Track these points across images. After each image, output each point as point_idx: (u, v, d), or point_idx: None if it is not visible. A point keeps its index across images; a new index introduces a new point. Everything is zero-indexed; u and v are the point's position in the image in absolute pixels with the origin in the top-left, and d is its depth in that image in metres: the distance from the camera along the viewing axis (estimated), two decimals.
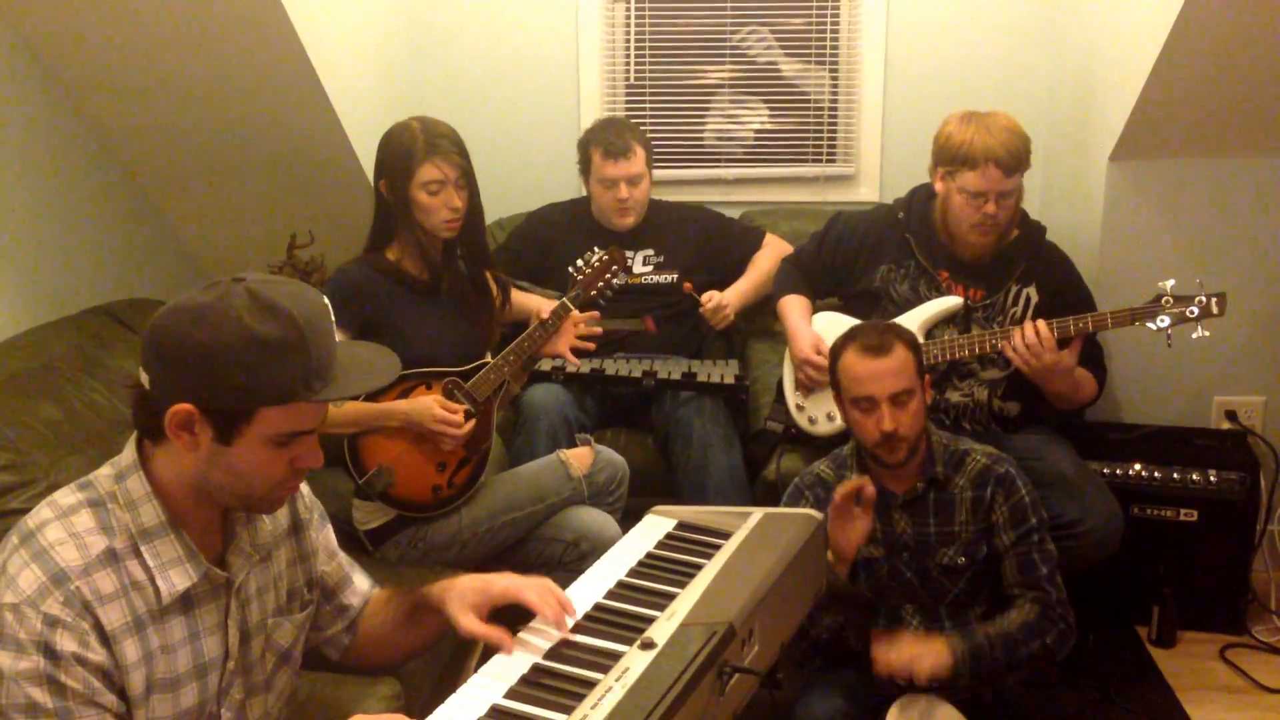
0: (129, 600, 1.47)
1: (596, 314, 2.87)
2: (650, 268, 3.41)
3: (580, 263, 2.94)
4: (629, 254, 3.40)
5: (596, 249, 3.39)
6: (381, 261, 2.68)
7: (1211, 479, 3.14)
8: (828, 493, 2.44)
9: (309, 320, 1.46)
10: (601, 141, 3.35)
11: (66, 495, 1.51)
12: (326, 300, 1.53)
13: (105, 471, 1.53)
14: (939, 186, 2.92)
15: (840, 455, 2.51)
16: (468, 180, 2.64)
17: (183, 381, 1.44)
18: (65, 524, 1.46)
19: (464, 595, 1.71)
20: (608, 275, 2.86)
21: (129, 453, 1.53)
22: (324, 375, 1.47)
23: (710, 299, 3.30)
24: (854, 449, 2.47)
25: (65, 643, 1.40)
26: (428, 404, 2.60)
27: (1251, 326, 3.37)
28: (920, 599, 2.39)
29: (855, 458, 2.46)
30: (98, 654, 1.42)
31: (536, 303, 3.03)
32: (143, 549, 1.48)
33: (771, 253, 3.48)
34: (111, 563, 1.46)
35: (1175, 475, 3.16)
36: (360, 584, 1.86)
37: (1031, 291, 2.94)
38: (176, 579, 1.50)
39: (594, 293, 2.85)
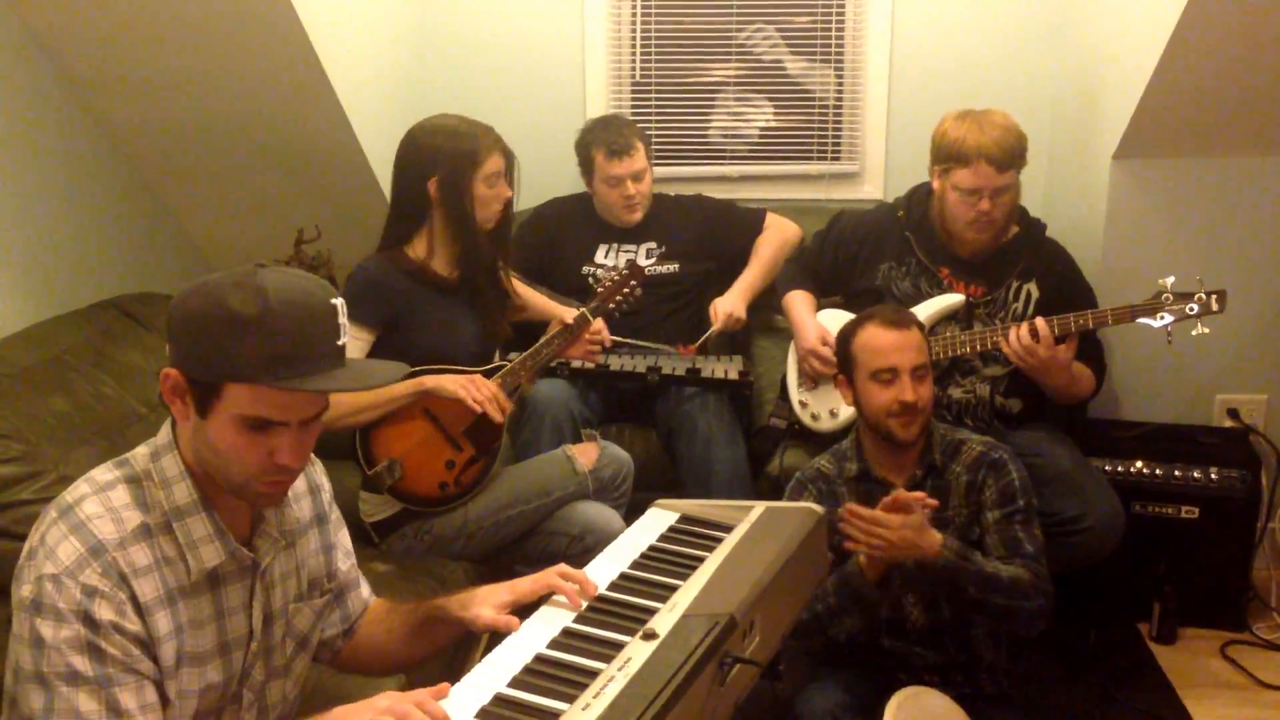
0: (161, 574, 1.51)
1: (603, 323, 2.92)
2: (653, 259, 3.43)
3: (600, 273, 2.95)
4: (631, 248, 3.43)
5: (614, 246, 3.43)
6: (403, 259, 2.70)
7: (1213, 476, 3.15)
8: (829, 486, 2.46)
9: (287, 306, 1.45)
10: (603, 142, 3.36)
11: (104, 472, 1.55)
12: (336, 301, 1.51)
13: (142, 450, 1.58)
14: (935, 184, 2.94)
15: (841, 449, 2.52)
16: (510, 170, 2.73)
17: (174, 347, 1.51)
18: (102, 499, 1.50)
19: (491, 597, 1.74)
20: (626, 290, 2.94)
21: (164, 433, 1.57)
22: (294, 366, 1.45)
23: (716, 316, 3.29)
24: (854, 441, 2.49)
25: (103, 611, 1.44)
26: (480, 379, 2.66)
27: (1254, 325, 3.38)
28: (921, 588, 2.38)
29: (856, 449, 2.47)
30: (134, 623, 1.46)
31: (555, 309, 3.05)
32: (175, 526, 1.53)
33: (774, 235, 3.49)
34: (146, 537, 1.50)
35: (1177, 473, 3.18)
36: (363, 591, 1.90)
37: (1032, 287, 2.95)
38: (206, 555, 1.54)
39: (612, 305, 2.93)
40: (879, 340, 2.37)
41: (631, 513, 2.70)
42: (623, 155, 3.33)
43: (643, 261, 3.40)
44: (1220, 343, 2.96)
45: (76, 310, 2.89)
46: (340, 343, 1.52)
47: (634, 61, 3.87)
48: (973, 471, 2.40)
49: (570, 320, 2.84)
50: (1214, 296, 2.70)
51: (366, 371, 1.62)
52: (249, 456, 1.51)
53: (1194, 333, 2.71)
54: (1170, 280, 2.72)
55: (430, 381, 2.63)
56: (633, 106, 3.89)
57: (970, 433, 2.51)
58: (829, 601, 2.33)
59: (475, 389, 2.61)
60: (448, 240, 2.69)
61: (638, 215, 3.42)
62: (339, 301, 1.52)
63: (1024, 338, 2.74)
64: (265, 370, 1.45)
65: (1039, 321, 2.74)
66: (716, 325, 3.28)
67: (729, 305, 3.31)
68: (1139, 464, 3.20)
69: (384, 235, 2.76)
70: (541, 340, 2.77)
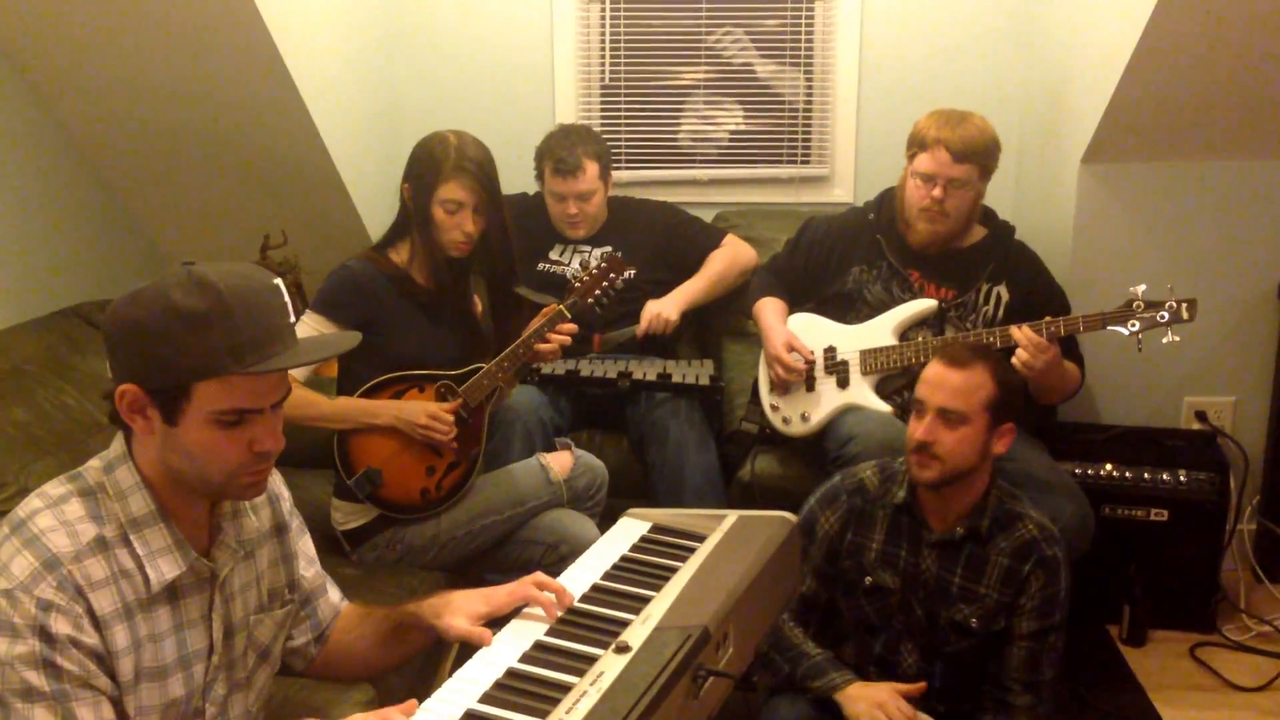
0: (118, 588, 1.48)
1: (574, 328, 2.77)
2: (631, 274, 3.39)
3: (578, 267, 2.89)
4: (587, 249, 3.42)
5: (570, 246, 3.40)
6: (386, 263, 2.66)
7: (1182, 479, 3.17)
8: (866, 505, 2.37)
9: (239, 294, 1.45)
10: (553, 156, 3.34)
11: (56, 486, 1.52)
12: (277, 281, 1.53)
13: (94, 463, 1.55)
14: (902, 175, 2.97)
15: (893, 469, 2.39)
16: (488, 208, 2.62)
17: (124, 362, 1.47)
18: (56, 512, 1.48)
19: (465, 606, 1.73)
20: (605, 283, 2.81)
21: (117, 445, 1.54)
22: (260, 349, 1.46)
23: (645, 316, 3.29)
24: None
25: (60, 625, 1.41)
26: (418, 406, 2.60)
27: (1221, 328, 3.40)
28: (921, 640, 2.33)
29: (908, 476, 2.33)
30: (91, 637, 1.44)
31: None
32: (132, 538, 1.50)
33: (727, 253, 3.48)
34: (102, 550, 1.48)
35: (1146, 475, 3.19)
36: (332, 596, 1.88)
37: (1002, 290, 2.96)
38: (165, 567, 1.52)
39: (590, 300, 2.80)
40: (925, 371, 2.29)
41: (604, 520, 2.69)
42: (566, 175, 3.31)
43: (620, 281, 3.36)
44: (1188, 346, 2.98)
45: (37, 318, 2.86)
46: (291, 319, 1.53)
47: (603, 65, 3.85)
48: (1018, 559, 2.27)
49: (541, 322, 2.76)
50: (1184, 305, 2.70)
51: (323, 343, 1.65)
52: (228, 453, 1.50)
53: (1164, 340, 2.71)
54: (1142, 288, 2.72)
55: (384, 420, 2.61)
56: (602, 110, 3.87)
57: (1030, 507, 2.35)
58: (795, 673, 2.31)
59: (417, 426, 2.60)
60: (420, 251, 2.66)
61: (580, 233, 3.41)
62: (279, 281, 1.53)
63: (1032, 336, 2.70)
64: (234, 360, 1.45)
65: (1027, 329, 2.73)
66: (641, 326, 3.28)
67: (659, 306, 3.31)
68: (1108, 467, 3.21)
69: (385, 235, 2.73)
70: (517, 342, 2.72)
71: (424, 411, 2.59)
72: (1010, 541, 2.28)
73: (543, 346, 2.68)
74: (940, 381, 2.24)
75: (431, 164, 2.59)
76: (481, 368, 2.67)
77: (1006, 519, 2.30)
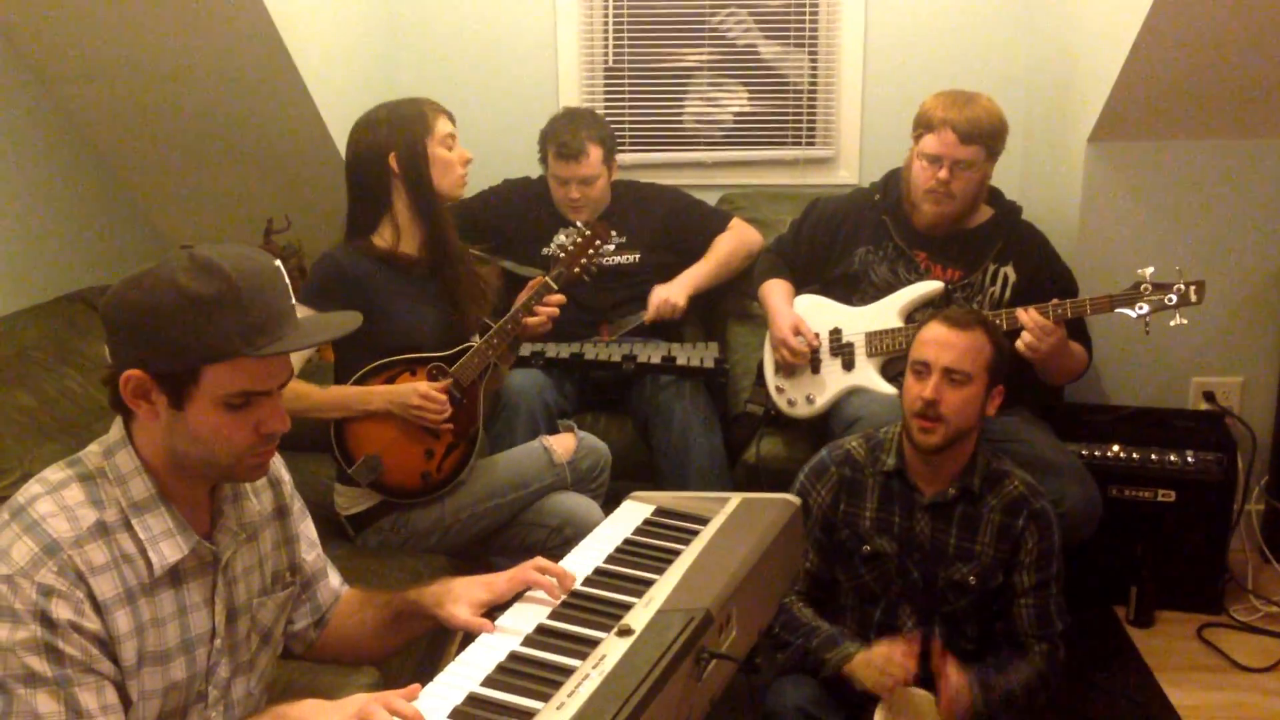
0: (120, 572, 1.48)
1: (562, 299, 2.76)
2: (612, 247, 3.38)
3: (563, 239, 2.86)
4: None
5: (574, 231, 3.40)
6: (371, 247, 2.65)
7: (1189, 459, 3.16)
8: (856, 474, 2.40)
9: (246, 276, 1.46)
10: (556, 140, 3.32)
11: (55, 471, 1.52)
12: (277, 262, 1.53)
13: (93, 449, 1.54)
14: (908, 155, 2.95)
15: (878, 439, 2.43)
16: None
17: (129, 347, 1.46)
18: (56, 498, 1.47)
19: (466, 594, 1.73)
20: (590, 251, 2.78)
21: (116, 429, 1.54)
22: (269, 331, 1.47)
23: (653, 302, 3.29)
24: (899, 436, 2.39)
25: (61, 611, 1.41)
26: (408, 388, 2.59)
27: (1229, 308, 3.38)
28: (920, 602, 2.35)
29: (898, 445, 2.38)
30: (93, 622, 1.44)
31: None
32: (134, 522, 1.50)
33: (733, 236, 3.46)
34: (102, 535, 1.47)
35: (1153, 456, 3.18)
36: (333, 581, 1.88)
37: (1009, 271, 2.94)
38: (168, 551, 1.52)
39: (577, 269, 2.77)
40: (925, 333, 2.31)
41: (608, 503, 2.69)
42: (569, 159, 3.29)
43: (605, 248, 3.35)
44: (1195, 326, 2.96)
45: (41, 303, 2.86)
46: (292, 301, 1.54)
47: (607, 47, 3.83)
48: (1010, 515, 2.33)
49: (528, 295, 2.74)
50: (1193, 287, 2.68)
51: (327, 323, 1.64)
52: (235, 435, 1.50)
53: (1172, 323, 2.69)
54: (1150, 270, 2.70)
55: (377, 405, 2.60)
56: (605, 92, 3.86)
57: (1013, 465, 2.43)
58: (810, 647, 2.31)
59: (410, 408, 2.58)
60: (413, 220, 2.64)
61: (582, 217, 3.38)
62: (278, 262, 1.54)
63: (1038, 319, 2.69)
64: (245, 343, 1.45)
65: (1034, 311, 2.71)
66: (649, 313, 3.28)
67: (666, 292, 3.30)
68: (1115, 448, 3.20)
69: (347, 230, 2.69)
70: (505, 317, 2.71)
71: (415, 392, 2.58)
72: (1000, 499, 2.35)
73: (531, 319, 2.67)
74: (946, 342, 2.27)
75: (412, 117, 2.61)
76: (470, 347, 2.66)
77: (995, 477, 2.37)
